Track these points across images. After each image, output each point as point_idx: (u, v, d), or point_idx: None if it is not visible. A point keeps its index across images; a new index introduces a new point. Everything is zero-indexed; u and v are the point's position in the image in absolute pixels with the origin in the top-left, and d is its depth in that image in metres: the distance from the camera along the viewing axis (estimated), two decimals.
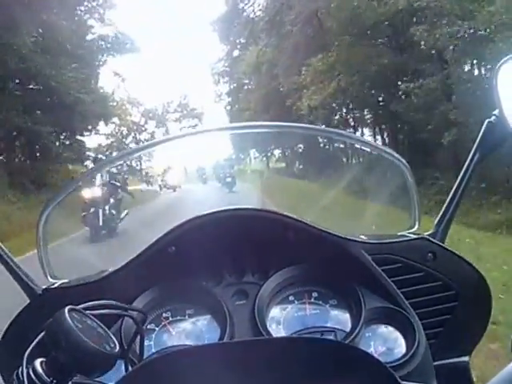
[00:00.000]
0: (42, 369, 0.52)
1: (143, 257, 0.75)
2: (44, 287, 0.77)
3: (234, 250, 0.78)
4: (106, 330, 0.56)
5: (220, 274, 0.79)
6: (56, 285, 0.80)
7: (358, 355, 0.55)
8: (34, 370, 0.51)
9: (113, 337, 0.55)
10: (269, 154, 22.82)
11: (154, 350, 0.74)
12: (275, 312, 0.78)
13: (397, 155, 0.84)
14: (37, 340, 0.54)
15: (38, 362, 0.52)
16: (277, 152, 21.21)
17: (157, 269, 0.76)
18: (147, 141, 35.41)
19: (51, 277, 0.82)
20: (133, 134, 36.06)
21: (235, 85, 28.94)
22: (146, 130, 38.55)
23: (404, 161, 0.84)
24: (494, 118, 0.73)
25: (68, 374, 0.52)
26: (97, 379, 0.55)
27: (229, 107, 30.06)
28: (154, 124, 38.44)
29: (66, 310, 0.52)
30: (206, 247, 0.75)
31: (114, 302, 0.61)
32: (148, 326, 0.76)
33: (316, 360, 0.53)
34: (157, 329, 0.76)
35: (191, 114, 38.49)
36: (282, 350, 0.55)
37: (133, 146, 35.43)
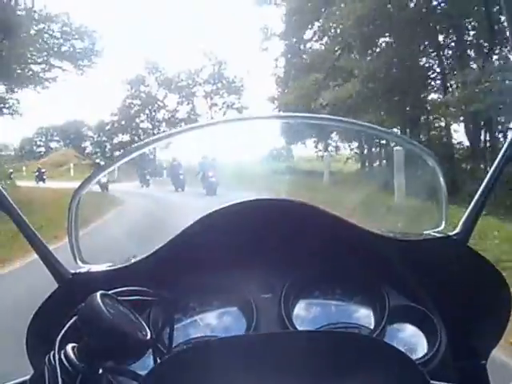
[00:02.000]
0: (74, 354, 0.65)
1: (171, 245, 0.91)
2: (73, 272, 0.91)
3: (262, 242, 0.92)
4: (138, 317, 0.69)
5: (248, 267, 0.94)
6: (85, 269, 0.94)
7: (386, 350, 0.68)
8: (66, 355, 0.64)
9: (144, 324, 0.68)
10: (331, 150, 20.85)
11: (181, 340, 0.90)
12: (301, 306, 0.99)
13: (429, 151, 1.00)
14: (68, 324, 0.66)
15: (69, 347, 0.65)
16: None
17: (185, 258, 0.90)
18: (166, 121, 35.11)
19: (81, 261, 0.98)
20: (147, 112, 35.95)
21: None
22: (165, 106, 38.18)
23: (434, 156, 0.98)
24: None
25: (99, 360, 0.65)
26: (128, 367, 0.67)
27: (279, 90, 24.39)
28: (177, 98, 37.95)
29: (99, 294, 0.65)
30: (234, 238, 0.89)
31: (145, 289, 0.74)
32: (176, 316, 0.88)
33: (344, 354, 0.66)
34: (184, 318, 0.96)
35: (228, 88, 37.55)
36: (310, 344, 0.68)
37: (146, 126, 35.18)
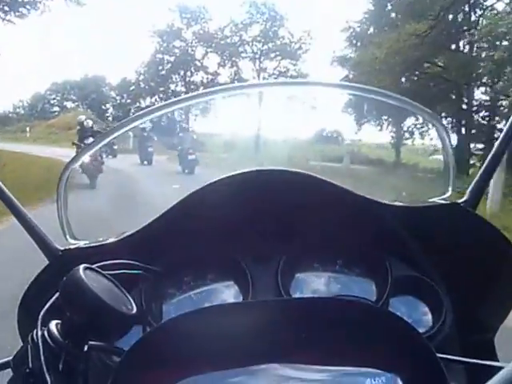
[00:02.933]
0: (57, 330, 0.70)
1: (164, 219, 0.97)
2: (63, 248, 1.00)
3: (257, 213, 0.99)
4: (123, 290, 0.76)
5: (243, 238, 1.01)
6: (76, 245, 1.03)
7: (389, 318, 0.74)
8: (49, 332, 0.70)
9: (129, 298, 0.76)
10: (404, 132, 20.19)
11: (174, 315, 0.93)
12: (299, 278, 1.05)
13: (436, 115, 1.10)
14: (51, 301, 0.74)
15: (53, 324, 0.71)
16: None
17: (178, 231, 0.97)
18: (204, 85, 33.06)
19: (71, 237, 1.08)
20: (182, 72, 33.84)
21: None
22: (203, 67, 36.11)
23: (440, 120, 1.11)
24: None
25: (84, 335, 0.70)
26: (114, 345, 0.73)
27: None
28: (218, 59, 35.79)
29: (81, 268, 0.71)
30: (228, 210, 0.96)
31: (131, 262, 0.85)
32: (169, 291, 1.02)
33: (346, 322, 0.71)
34: (177, 293, 1.03)
35: (282, 49, 35.03)
36: (310, 311, 0.73)
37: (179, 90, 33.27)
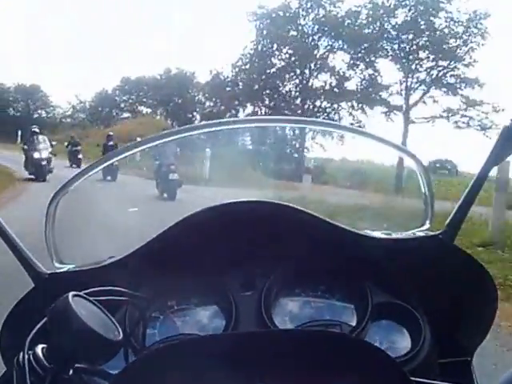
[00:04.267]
0: (43, 355, 0.85)
1: (151, 245, 1.27)
2: (50, 272, 1.25)
3: (242, 240, 1.28)
4: (110, 316, 0.94)
5: (227, 265, 1.31)
6: (63, 270, 1.32)
7: (365, 348, 0.93)
8: (35, 356, 0.85)
9: (116, 324, 0.93)
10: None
11: (157, 339, 1.27)
12: (281, 304, 1.33)
13: (409, 151, 1.42)
14: (39, 325, 0.91)
15: (39, 348, 0.86)
16: None
17: (164, 257, 1.25)
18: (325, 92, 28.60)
19: (58, 262, 1.36)
20: (297, 72, 29.55)
21: None
22: (329, 67, 31.73)
23: (417, 157, 1.40)
24: (510, 123, 1.18)
25: (70, 360, 0.86)
26: (99, 367, 0.92)
27: None
28: (347, 58, 31.43)
29: (70, 295, 0.87)
30: (215, 237, 1.27)
31: (118, 288, 1.04)
32: (153, 314, 1.28)
33: (321, 352, 0.90)
34: (161, 317, 1.30)
35: (438, 44, 30.24)
36: (286, 342, 0.92)
37: None
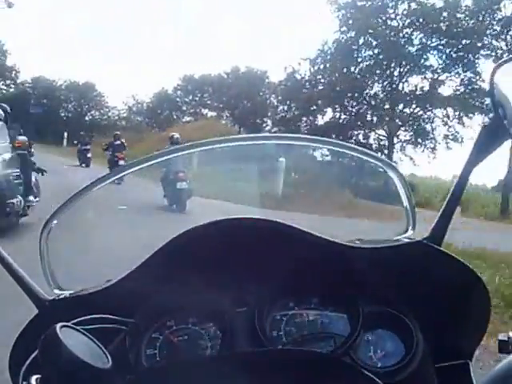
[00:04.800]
0: None
1: (145, 266, 1.43)
2: (51, 298, 1.43)
3: (234, 258, 1.45)
4: (99, 344, 1.07)
5: (221, 283, 1.45)
6: (63, 296, 1.49)
7: (342, 367, 1.17)
8: None
9: (106, 352, 1.07)
10: None
11: (158, 359, 1.44)
12: (275, 319, 1.51)
13: (387, 160, 1.58)
14: (33, 356, 1.06)
15: (33, 379, 0.98)
16: None
17: (159, 279, 1.40)
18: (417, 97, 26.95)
19: (56, 288, 1.53)
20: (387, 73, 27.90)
21: None
22: (425, 67, 29.93)
23: (394, 165, 1.54)
24: (490, 121, 1.30)
25: None
26: None
27: None
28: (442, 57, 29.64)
29: (58, 326, 0.99)
30: (208, 256, 1.43)
31: (108, 316, 1.24)
32: (153, 335, 1.46)
33: (302, 372, 1.11)
34: (161, 337, 1.47)
35: None
36: (269, 362, 1.15)
37: None
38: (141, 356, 1.39)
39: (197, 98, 44.13)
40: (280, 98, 40.99)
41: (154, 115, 46.46)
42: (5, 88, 51.40)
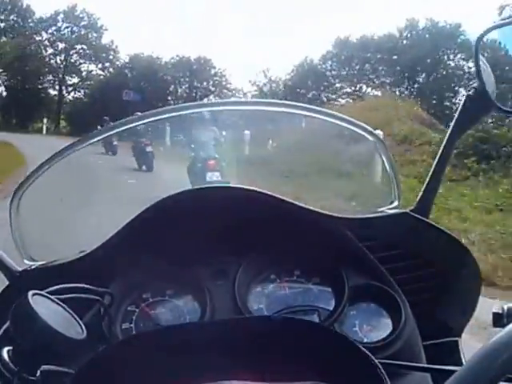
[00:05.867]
0: (9, 357, 0.96)
1: (120, 236, 1.49)
2: (22, 269, 1.52)
3: (213, 228, 1.47)
4: (74, 314, 1.10)
5: (200, 253, 1.51)
6: (34, 266, 1.59)
7: (331, 337, 1.06)
8: (1, 359, 0.95)
9: (80, 322, 1.10)
10: None
11: (134, 332, 1.45)
12: (256, 291, 1.51)
13: (370, 129, 1.49)
14: (4, 327, 1.02)
15: (4, 351, 0.98)
16: None
17: (135, 248, 1.45)
18: None
19: (27, 259, 1.61)
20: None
21: None
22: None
23: (377, 134, 1.50)
24: (473, 90, 1.25)
25: (35, 362, 0.96)
26: (68, 369, 1.04)
27: None
28: None
29: (30, 294, 1.00)
30: (185, 226, 1.45)
31: (82, 285, 1.23)
32: (128, 308, 1.46)
33: (289, 341, 1.02)
34: (137, 310, 1.47)
35: None
36: (256, 330, 1.05)
37: None
38: (116, 329, 1.40)
39: (355, 71, 31.67)
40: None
41: (294, 97, 34.13)
42: (102, 73, 45.14)
